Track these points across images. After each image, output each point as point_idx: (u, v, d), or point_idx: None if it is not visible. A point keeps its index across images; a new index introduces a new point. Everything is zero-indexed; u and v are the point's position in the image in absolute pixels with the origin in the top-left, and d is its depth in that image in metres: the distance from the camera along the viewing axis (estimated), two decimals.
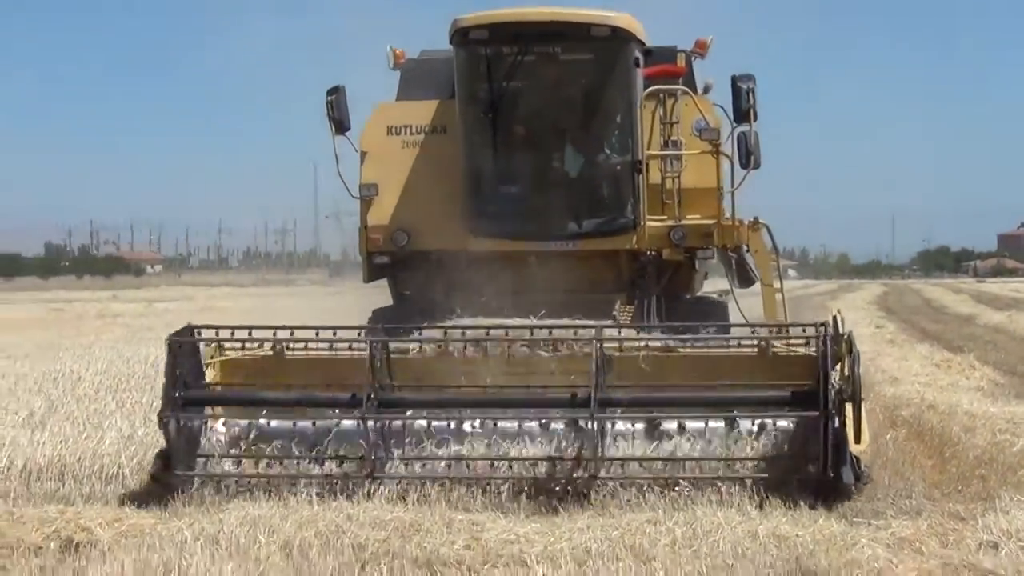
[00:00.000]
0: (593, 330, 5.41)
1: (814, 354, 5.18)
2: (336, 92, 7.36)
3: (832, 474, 5.12)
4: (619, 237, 7.36)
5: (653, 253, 7.43)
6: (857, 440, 5.17)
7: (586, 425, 5.17)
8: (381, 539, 4.62)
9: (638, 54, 7.27)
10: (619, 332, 5.75)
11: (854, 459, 5.33)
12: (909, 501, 5.81)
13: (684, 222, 7.41)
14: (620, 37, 7.16)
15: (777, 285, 8.02)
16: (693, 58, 7.98)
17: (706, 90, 8.29)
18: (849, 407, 5.19)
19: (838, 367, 5.31)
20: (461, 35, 7.22)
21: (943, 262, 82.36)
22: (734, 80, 7.09)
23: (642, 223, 7.35)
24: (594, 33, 7.13)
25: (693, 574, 4.35)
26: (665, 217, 7.45)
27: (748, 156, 7.19)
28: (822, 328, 5.19)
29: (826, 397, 5.08)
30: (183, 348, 5.43)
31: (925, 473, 6.89)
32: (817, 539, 4.79)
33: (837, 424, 5.17)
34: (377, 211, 7.57)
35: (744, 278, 9.24)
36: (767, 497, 5.27)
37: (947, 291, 41.98)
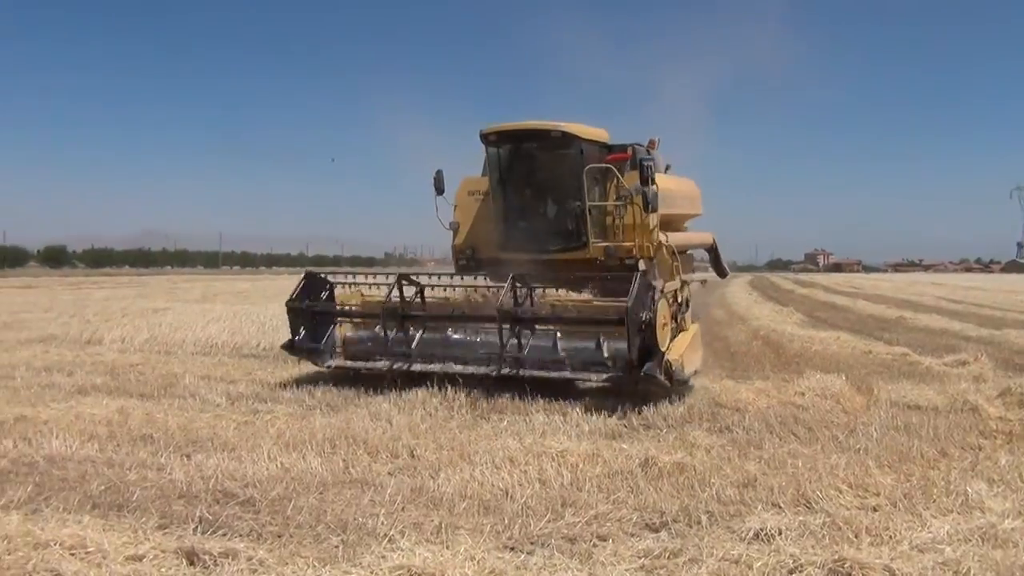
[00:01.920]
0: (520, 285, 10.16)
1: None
2: (438, 172, 11.83)
3: (640, 367, 9.09)
4: (576, 252, 11.24)
5: (600, 260, 11.15)
6: (664, 349, 9.36)
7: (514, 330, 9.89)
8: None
9: (583, 147, 11.04)
10: (557, 291, 10.54)
11: (667, 363, 9.27)
12: (763, 372, 11.82)
13: (617, 244, 11.15)
14: (568, 137, 11.00)
15: (673, 280, 11.18)
16: (649, 150, 12.15)
17: (667, 168, 12.89)
18: (663, 328, 9.42)
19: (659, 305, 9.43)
20: (482, 138, 11.50)
21: (779, 265, 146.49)
22: (640, 160, 10.93)
23: (588, 244, 11.21)
24: (552, 135, 11.03)
25: (667, 400, 9.40)
26: (605, 241, 11.23)
27: (647, 205, 10.81)
28: (631, 285, 9.15)
29: (626, 322, 9.01)
30: (310, 278, 11.12)
31: (770, 360, 13.57)
32: (719, 388, 10.04)
33: (640, 340, 9.09)
34: (458, 238, 12.18)
35: (720, 272, 15.57)
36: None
37: (781, 279, 71.13)
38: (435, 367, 10.04)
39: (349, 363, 10.88)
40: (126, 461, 6.94)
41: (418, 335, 10.71)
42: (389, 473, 6.72)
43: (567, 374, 9.70)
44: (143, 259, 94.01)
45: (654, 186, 10.87)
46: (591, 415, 8.76)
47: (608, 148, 11.64)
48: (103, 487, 6.24)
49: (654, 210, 10.86)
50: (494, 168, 11.68)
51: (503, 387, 9.55)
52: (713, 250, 14.85)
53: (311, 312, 10.93)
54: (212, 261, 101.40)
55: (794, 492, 6.11)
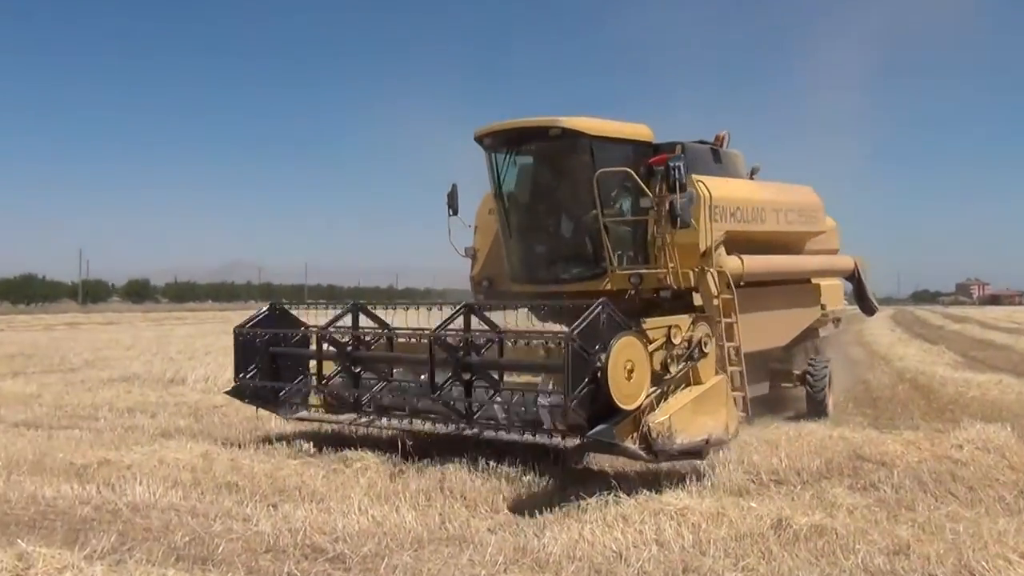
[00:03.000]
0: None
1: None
2: (452, 188, 10.98)
3: (587, 426, 7.33)
4: (593, 282, 10.10)
5: (629, 292, 9.90)
6: (632, 406, 7.40)
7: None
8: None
9: (594, 146, 9.86)
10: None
11: (646, 426, 7.46)
12: (911, 420, 11.38)
13: (647, 271, 9.93)
14: (571, 135, 9.83)
15: (724, 319, 9.85)
16: (716, 147, 11.17)
17: (753, 172, 11.90)
18: (631, 378, 7.41)
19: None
20: (477, 142, 10.52)
21: (925, 297, 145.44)
22: (668, 163, 9.56)
23: (607, 272, 10.01)
24: (551, 133, 9.88)
25: (802, 451, 9.11)
26: (637, 267, 10.00)
27: (675, 218, 9.48)
28: (570, 338, 7.28)
29: (565, 367, 7.27)
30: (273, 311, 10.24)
31: (919, 407, 13.17)
32: (861, 438, 9.65)
33: (591, 392, 7.30)
34: (476, 266, 11.65)
35: (865, 307, 13.92)
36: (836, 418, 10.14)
37: (928, 313, 68.84)
38: (388, 422, 9.30)
39: (317, 416, 9.93)
40: (211, 510, 7.15)
41: (380, 382, 9.56)
42: (489, 530, 6.72)
43: (503, 435, 8.41)
44: (226, 292, 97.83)
45: (689, 192, 9.62)
46: (713, 467, 8.56)
47: (653, 148, 10.36)
48: (188, 538, 6.45)
49: (684, 225, 9.55)
50: (493, 179, 10.76)
51: None
52: (856, 280, 13.41)
53: (267, 347, 9.96)
54: (297, 294, 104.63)
55: (955, 562, 5.81)
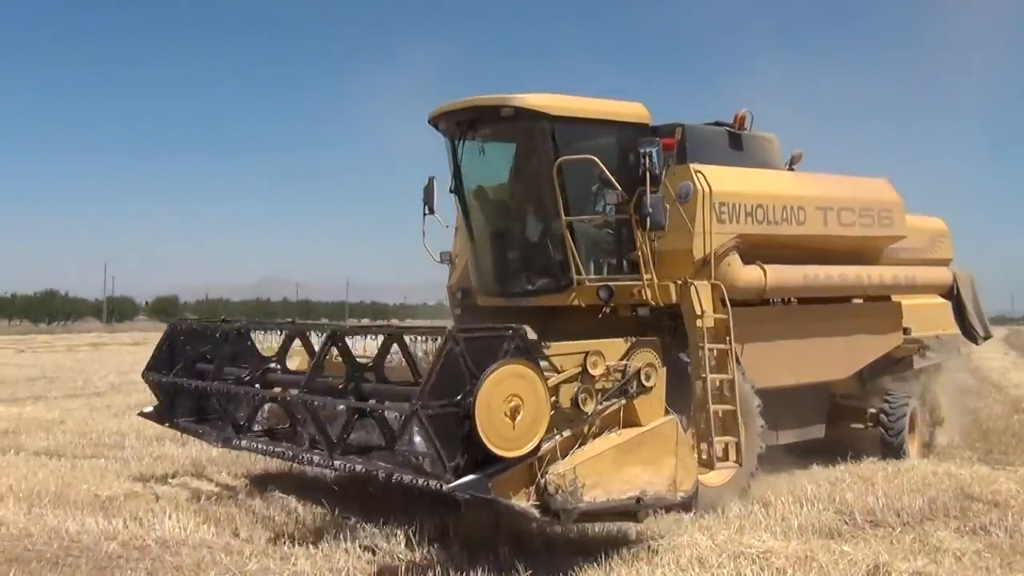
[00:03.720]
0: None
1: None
2: (429, 182, 10.15)
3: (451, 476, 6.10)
4: (559, 295, 9.26)
5: (607, 309, 9.18)
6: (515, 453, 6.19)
7: None
8: None
9: (556, 129, 8.98)
10: None
11: (543, 480, 6.33)
12: None
13: (613, 282, 9.06)
14: (525, 115, 9.01)
15: (709, 345, 8.61)
16: (735, 128, 10.18)
17: (793, 161, 10.78)
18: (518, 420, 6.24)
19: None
20: (432, 125, 9.82)
21: None
22: (643, 149, 8.56)
23: (575, 283, 9.09)
24: (503, 114, 9.07)
25: (901, 489, 8.96)
26: (610, 278, 9.17)
27: (644, 218, 8.56)
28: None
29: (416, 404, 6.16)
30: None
31: None
32: (970, 476, 9.47)
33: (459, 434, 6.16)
34: (454, 274, 11.04)
35: (967, 330, 12.35)
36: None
37: None
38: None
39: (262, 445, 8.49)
40: (246, 548, 7.26)
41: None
42: None
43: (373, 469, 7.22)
44: (261, 310, 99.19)
45: (685, 186, 8.96)
46: (801, 506, 8.47)
47: (651, 132, 9.35)
48: (257, 564, 6.58)
49: (655, 227, 8.62)
50: (450, 170, 10.00)
51: None
52: (955, 297, 12.08)
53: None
54: (338, 312, 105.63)
55: None
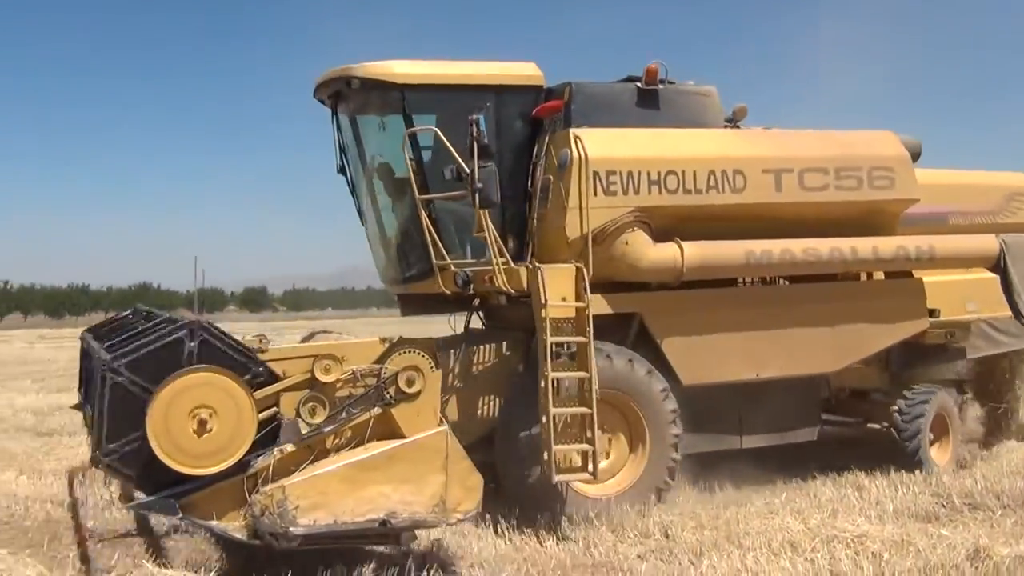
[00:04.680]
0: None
1: None
2: None
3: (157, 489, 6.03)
4: (426, 282, 8.42)
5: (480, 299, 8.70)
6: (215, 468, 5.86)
7: None
8: None
9: (408, 97, 8.19)
10: None
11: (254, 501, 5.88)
12: None
13: (473, 267, 8.15)
14: (375, 86, 8.29)
15: (551, 338, 7.52)
16: (652, 83, 8.78)
17: (735, 117, 9.25)
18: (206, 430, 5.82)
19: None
20: (318, 101, 9.02)
21: None
22: (472, 119, 7.68)
23: (435, 268, 8.11)
24: (353, 86, 8.35)
25: (1001, 472, 8.70)
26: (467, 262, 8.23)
27: (475, 195, 7.63)
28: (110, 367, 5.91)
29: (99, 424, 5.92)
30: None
31: None
32: None
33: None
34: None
35: (1017, 310, 9.63)
36: None
37: None
38: None
39: None
40: None
41: None
42: (639, 556, 6.73)
43: None
44: (346, 299, 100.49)
45: (564, 154, 8.04)
46: (896, 489, 8.31)
47: (546, 95, 8.58)
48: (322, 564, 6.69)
49: (485, 204, 7.68)
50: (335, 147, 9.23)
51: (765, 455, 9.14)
52: (1003, 271, 9.63)
53: None
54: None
55: None
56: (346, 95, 8.63)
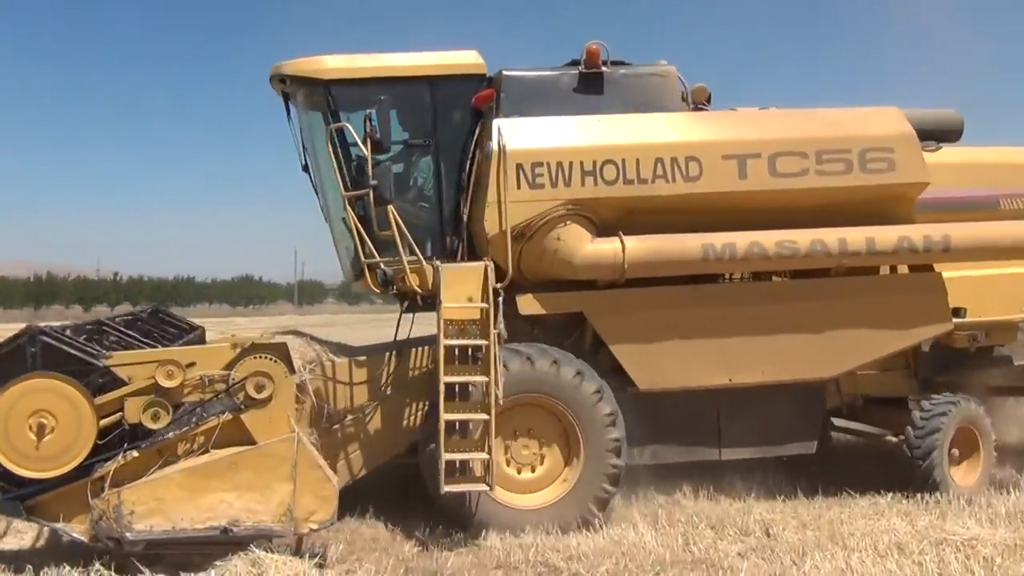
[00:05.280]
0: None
1: None
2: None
3: None
4: (360, 281, 8.37)
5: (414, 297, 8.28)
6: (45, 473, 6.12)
7: None
8: None
9: (334, 93, 7.98)
10: None
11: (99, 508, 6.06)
12: None
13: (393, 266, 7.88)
14: (301, 82, 8.17)
15: (445, 341, 7.30)
16: (589, 67, 8.23)
17: (696, 97, 8.50)
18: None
19: None
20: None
21: None
22: (368, 115, 7.64)
23: (363, 267, 8.01)
24: (281, 82, 8.28)
25: None
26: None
27: (372, 191, 7.68)
28: None
29: None
30: None
31: None
32: None
33: None
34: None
35: None
36: None
37: None
38: None
39: None
40: None
41: None
42: (739, 554, 6.65)
43: None
44: None
45: (489, 148, 7.71)
46: (1008, 493, 8.05)
47: (488, 82, 8.20)
48: (416, 551, 6.79)
49: (380, 200, 7.63)
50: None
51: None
52: None
53: None
54: None
55: None
56: (289, 92, 8.43)
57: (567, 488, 7.52)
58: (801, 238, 7.88)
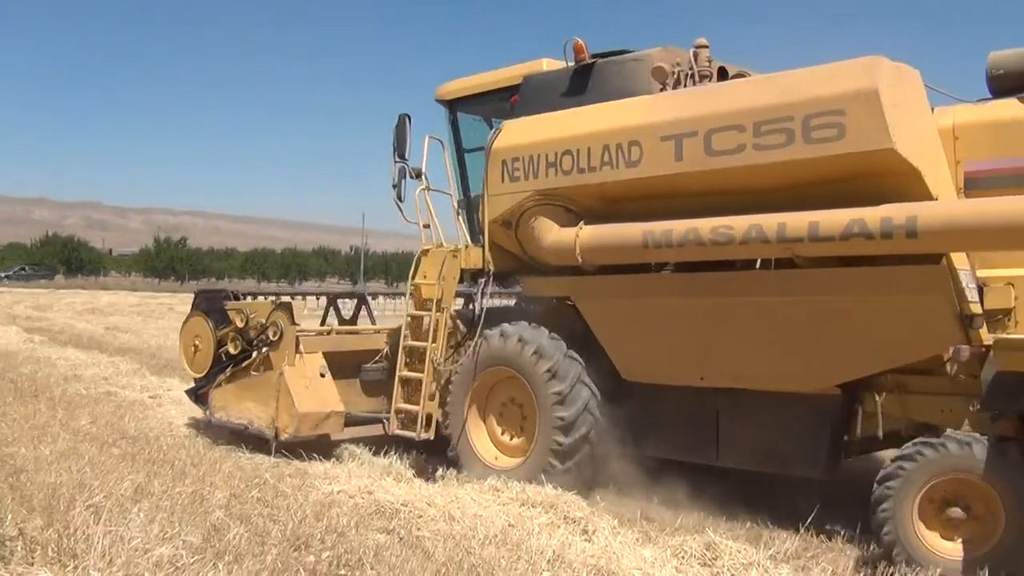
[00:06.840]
0: None
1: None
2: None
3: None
4: None
5: None
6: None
7: None
8: None
9: (456, 108, 9.65)
10: None
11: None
12: None
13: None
14: (441, 102, 9.72)
15: (413, 312, 9.31)
16: (577, 60, 8.37)
17: (658, 76, 7.90)
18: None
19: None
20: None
21: None
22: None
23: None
24: (440, 106, 9.77)
25: None
26: None
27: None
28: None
29: None
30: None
31: None
32: None
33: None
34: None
35: None
36: None
37: None
38: None
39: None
40: None
41: None
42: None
43: None
44: None
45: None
46: None
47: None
48: None
49: (399, 200, 9.43)
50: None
51: None
52: None
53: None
54: None
55: None
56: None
57: (523, 459, 8.18)
58: (737, 224, 6.67)
